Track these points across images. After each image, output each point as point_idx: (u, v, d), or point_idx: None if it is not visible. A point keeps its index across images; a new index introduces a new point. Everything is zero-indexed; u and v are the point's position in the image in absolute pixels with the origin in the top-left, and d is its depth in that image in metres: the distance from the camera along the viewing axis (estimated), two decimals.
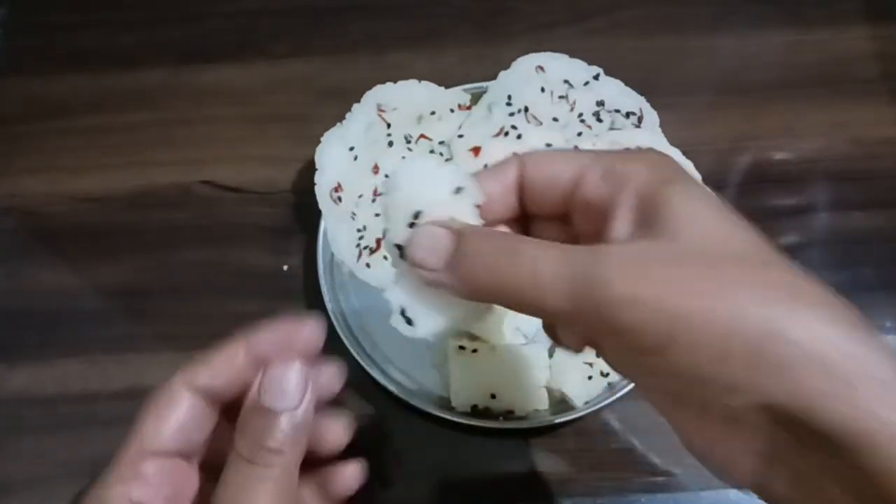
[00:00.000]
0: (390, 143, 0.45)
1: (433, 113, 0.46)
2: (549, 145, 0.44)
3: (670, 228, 0.20)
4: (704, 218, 0.21)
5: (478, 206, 0.24)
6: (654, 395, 0.22)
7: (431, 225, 0.23)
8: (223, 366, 0.26)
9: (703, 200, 0.21)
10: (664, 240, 0.20)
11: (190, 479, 0.26)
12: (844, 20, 0.53)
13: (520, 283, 0.21)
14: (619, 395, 0.39)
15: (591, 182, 0.23)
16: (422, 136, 0.45)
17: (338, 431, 0.28)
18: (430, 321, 0.24)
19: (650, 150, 0.24)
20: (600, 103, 0.45)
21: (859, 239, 0.46)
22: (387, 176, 0.44)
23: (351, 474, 0.29)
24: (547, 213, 0.25)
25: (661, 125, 0.45)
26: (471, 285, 0.22)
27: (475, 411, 0.39)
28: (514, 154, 0.25)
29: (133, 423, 0.26)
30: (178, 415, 0.26)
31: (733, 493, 0.39)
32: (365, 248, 0.42)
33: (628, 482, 0.39)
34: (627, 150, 0.25)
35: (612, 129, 0.45)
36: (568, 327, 0.25)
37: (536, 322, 0.41)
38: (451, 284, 0.22)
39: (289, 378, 0.25)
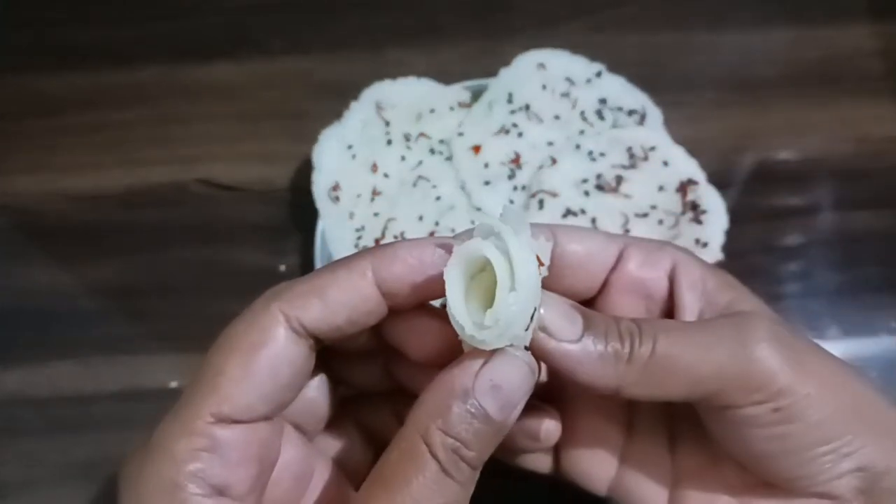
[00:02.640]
0: (389, 142, 0.44)
1: (432, 111, 0.45)
2: (550, 143, 0.44)
3: (739, 306, 0.23)
4: (749, 296, 0.24)
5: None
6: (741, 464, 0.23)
7: (561, 298, 0.22)
8: (342, 299, 0.20)
9: (738, 283, 0.24)
10: (745, 314, 0.22)
11: (274, 443, 0.21)
12: (849, 17, 0.53)
13: (664, 362, 0.21)
14: None
15: (636, 260, 0.24)
16: (421, 134, 0.45)
17: (550, 428, 0.24)
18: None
19: (672, 244, 0.25)
20: (602, 101, 0.45)
21: (864, 237, 0.45)
22: (386, 175, 0.44)
23: (549, 428, 0.24)
24: (575, 295, 0.24)
25: (665, 123, 0.44)
26: (606, 367, 0.21)
27: None
28: (541, 224, 0.23)
29: (203, 368, 0.20)
30: (274, 368, 0.20)
31: None
32: (363, 247, 0.42)
33: None
34: (650, 239, 0.25)
35: (614, 126, 0.44)
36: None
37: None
38: (581, 363, 0.21)
39: (521, 381, 0.20)
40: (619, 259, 0.24)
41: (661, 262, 0.24)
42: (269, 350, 0.20)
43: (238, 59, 0.52)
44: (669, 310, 0.24)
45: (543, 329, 0.21)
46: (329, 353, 0.23)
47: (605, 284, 0.24)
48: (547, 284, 0.21)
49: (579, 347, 0.21)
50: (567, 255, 0.23)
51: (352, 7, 0.54)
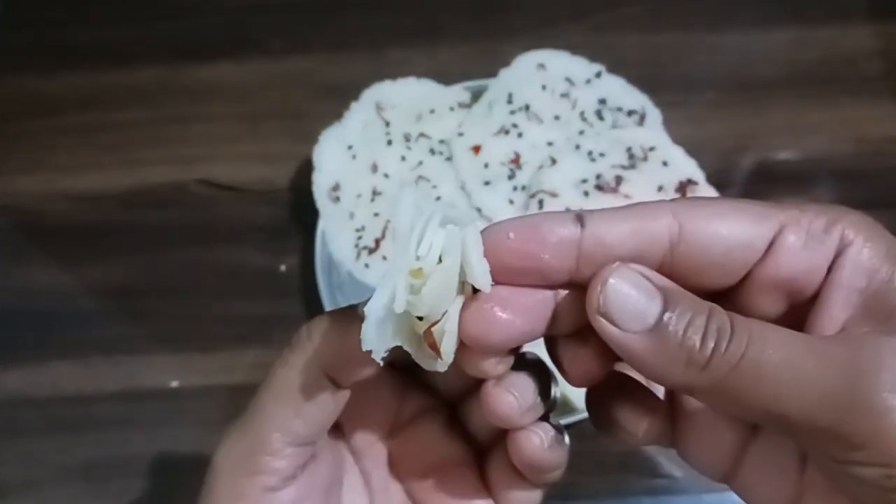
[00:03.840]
0: (389, 142, 0.44)
1: (433, 111, 0.45)
2: (550, 144, 0.44)
3: None
4: None
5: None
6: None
7: (634, 272, 0.17)
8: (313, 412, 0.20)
9: None
10: None
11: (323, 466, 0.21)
12: (849, 17, 0.53)
13: (749, 378, 0.16)
14: None
15: (794, 250, 0.18)
16: (421, 134, 0.45)
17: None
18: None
19: (847, 209, 0.18)
20: (602, 101, 0.45)
21: None
22: (386, 175, 0.44)
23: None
24: (701, 290, 0.18)
25: (664, 123, 0.44)
26: (676, 368, 0.17)
27: None
28: (662, 202, 0.18)
29: (258, 398, 0.20)
30: (329, 398, 0.20)
31: (736, 497, 0.39)
32: (363, 248, 0.42)
33: (630, 485, 0.39)
34: (822, 207, 0.18)
35: (614, 127, 0.44)
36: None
37: None
38: (644, 357, 0.17)
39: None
40: (771, 245, 0.18)
41: (824, 246, 0.18)
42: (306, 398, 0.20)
43: (238, 60, 0.52)
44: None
45: (605, 314, 0.17)
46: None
47: (746, 276, 0.18)
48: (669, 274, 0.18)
49: (645, 338, 0.17)
50: (696, 248, 0.18)
51: (352, 7, 0.54)
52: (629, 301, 0.17)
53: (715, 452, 0.21)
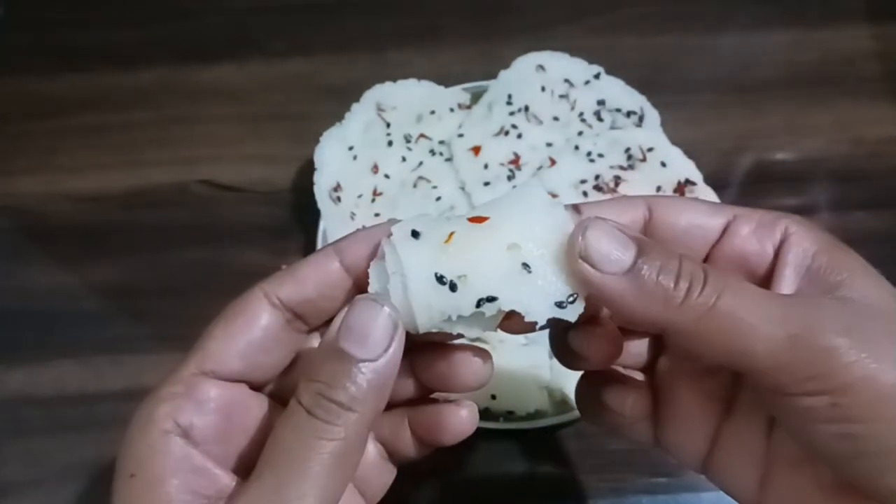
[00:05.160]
0: (390, 143, 0.44)
1: (433, 112, 0.45)
2: (549, 144, 0.44)
3: (850, 293, 0.21)
4: (873, 285, 0.21)
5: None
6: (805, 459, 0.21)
7: (609, 224, 0.20)
8: (312, 277, 0.22)
9: (862, 264, 0.22)
10: (849, 301, 0.20)
11: (252, 409, 0.23)
12: (846, 19, 0.53)
13: (723, 319, 0.19)
14: None
15: (742, 234, 0.22)
16: (421, 135, 0.45)
17: (462, 418, 0.24)
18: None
19: (789, 215, 0.23)
20: (601, 102, 0.45)
21: (861, 238, 0.45)
22: (387, 176, 0.44)
23: (464, 417, 0.24)
24: None
25: (663, 124, 0.45)
26: (651, 306, 0.20)
27: None
28: (638, 196, 0.23)
29: (201, 337, 0.22)
30: (250, 330, 0.22)
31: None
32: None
33: (629, 483, 0.39)
34: (769, 210, 0.23)
35: (612, 128, 0.45)
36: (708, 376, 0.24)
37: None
38: (623, 296, 0.20)
39: (375, 319, 0.20)
40: (725, 232, 0.23)
41: (771, 234, 0.22)
42: (246, 316, 0.22)
43: (240, 61, 0.52)
44: (768, 286, 0.22)
45: (586, 258, 0.20)
46: None
47: (707, 258, 0.23)
48: None
49: (624, 280, 0.20)
50: (663, 228, 0.23)
51: (353, 9, 0.54)
52: (606, 246, 0.20)
53: (692, 439, 0.24)
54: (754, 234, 0.22)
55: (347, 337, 0.20)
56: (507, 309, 0.20)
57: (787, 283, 0.22)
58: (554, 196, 0.42)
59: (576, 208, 0.22)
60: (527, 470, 0.40)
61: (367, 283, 0.21)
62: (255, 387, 0.23)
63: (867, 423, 0.19)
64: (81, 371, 0.42)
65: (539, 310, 0.20)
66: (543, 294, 0.20)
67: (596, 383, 0.25)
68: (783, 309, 0.20)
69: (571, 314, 0.20)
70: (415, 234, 0.21)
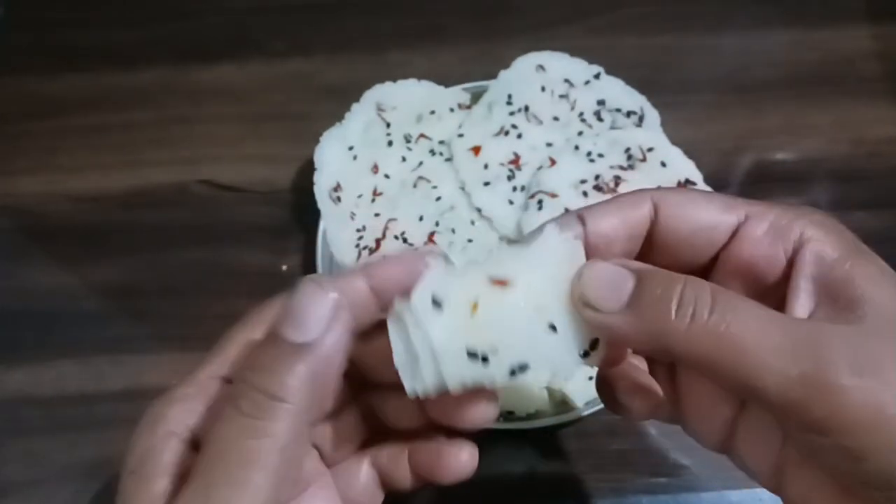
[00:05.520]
0: (390, 143, 0.44)
1: (433, 112, 0.45)
2: (549, 144, 0.44)
3: (872, 312, 0.19)
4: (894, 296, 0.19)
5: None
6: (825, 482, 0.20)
7: (605, 263, 0.20)
8: (349, 288, 0.21)
9: (893, 278, 0.20)
10: (869, 325, 0.19)
11: None
12: (846, 19, 0.53)
13: (732, 350, 0.18)
14: None
15: (753, 239, 0.21)
16: (421, 135, 0.45)
17: (461, 461, 0.24)
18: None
19: (812, 210, 0.21)
20: (601, 102, 0.45)
21: (862, 238, 0.45)
22: (387, 176, 0.44)
23: (464, 461, 0.24)
24: (678, 267, 0.21)
25: (663, 124, 0.45)
26: (660, 337, 0.19)
27: None
28: (643, 190, 0.22)
29: (221, 340, 0.22)
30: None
31: (734, 495, 0.39)
32: (364, 248, 0.42)
33: (629, 483, 0.39)
34: (788, 206, 0.21)
35: (612, 128, 0.45)
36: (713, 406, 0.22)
37: None
38: (627, 332, 0.19)
39: (316, 301, 0.19)
40: (736, 233, 0.21)
41: (785, 239, 0.20)
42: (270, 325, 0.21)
43: (240, 61, 0.52)
44: (781, 295, 0.21)
45: (587, 303, 0.20)
46: (366, 386, 0.24)
47: (716, 260, 0.22)
48: (648, 259, 0.22)
49: (624, 314, 0.19)
50: (667, 232, 0.21)
51: (353, 9, 0.54)
52: (603, 287, 0.19)
53: (712, 426, 0.23)
54: (766, 237, 0.21)
55: (283, 320, 0.19)
56: (539, 372, 0.20)
57: (802, 298, 0.20)
58: (554, 196, 0.42)
59: (581, 218, 0.22)
60: (527, 470, 0.40)
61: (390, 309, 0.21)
62: None
63: (877, 460, 0.18)
64: (81, 371, 0.42)
65: (568, 367, 0.20)
66: (568, 349, 0.20)
67: (609, 382, 0.25)
68: (795, 339, 0.18)
69: (595, 360, 0.21)
70: (436, 302, 0.20)
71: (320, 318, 0.19)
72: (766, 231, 0.21)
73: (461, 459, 0.24)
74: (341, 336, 0.19)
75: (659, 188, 0.23)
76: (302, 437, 0.19)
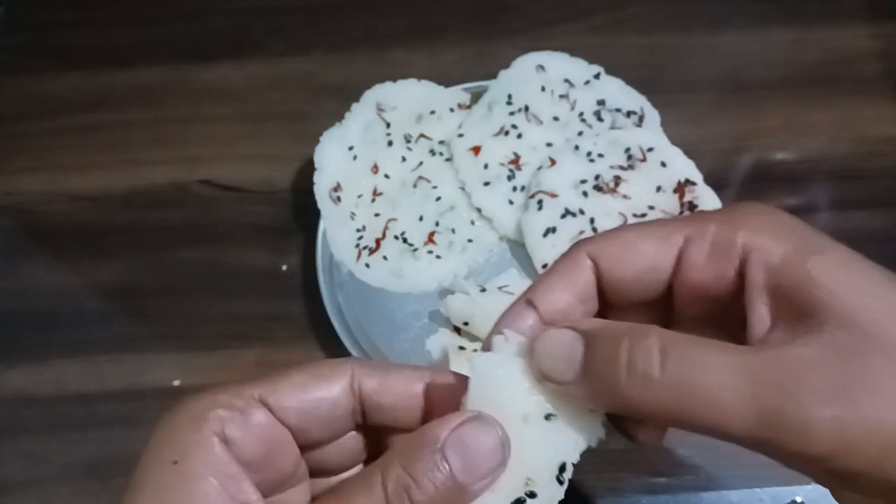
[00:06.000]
0: (390, 143, 0.44)
1: (433, 112, 0.45)
2: (549, 144, 0.44)
3: (832, 318, 0.18)
4: (866, 295, 0.18)
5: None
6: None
7: (555, 329, 0.20)
8: (397, 383, 0.22)
9: (857, 271, 0.19)
10: (830, 335, 0.18)
11: (287, 457, 0.22)
12: (846, 18, 0.53)
13: (691, 401, 0.18)
14: None
15: (697, 264, 0.20)
16: (421, 135, 0.45)
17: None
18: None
19: (751, 204, 0.21)
20: (601, 102, 0.45)
21: (862, 238, 0.45)
22: (387, 176, 0.44)
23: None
24: (640, 307, 0.22)
25: (663, 124, 0.45)
26: (618, 401, 0.19)
27: None
28: (578, 247, 0.21)
29: (279, 373, 0.22)
30: (322, 390, 0.21)
31: (734, 495, 0.39)
32: (364, 247, 0.42)
33: (628, 483, 0.39)
34: (725, 210, 0.21)
35: (612, 128, 0.45)
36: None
37: None
38: (590, 400, 0.20)
39: (491, 454, 0.19)
40: (679, 261, 0.21)
41: (729, 257, 0.20)
42: (325, 380, 0.22)
43: (240, 61, 0.52)
44: (742, 316, 0.20)
45: (548, 378, 0.20)
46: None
47: (671, 288, 0.21)
48: (610, 308, 0.22)
49: (582, 383, 0.19)
50: (612, 283, 0.21)
51: (353, 9, 0.54)
52: (556, 358, 0.20)
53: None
54: (709, 261, 0.20)
55: (460, 457, 0.19)
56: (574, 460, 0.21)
57: (759, 313, 0.19)
58: (554, 196, 0.42)
59: (530, 302, 0.22)
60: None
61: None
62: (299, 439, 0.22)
63: (868, 477, 0.18)
64: (81, 371, 0.42)
65: (577, 448, 0.21)
66: (574, 439, 0.20)
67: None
68: (753, 377, 0.18)
69: (596, 432, 0.21)
70: None
71: (488, 469, 0.19)
72: (709, 253, 0.20)
73: None
74: (489, 484, 0.19)
75: (593, 238, 0.22)
76: None
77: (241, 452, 0.20)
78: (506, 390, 0.20)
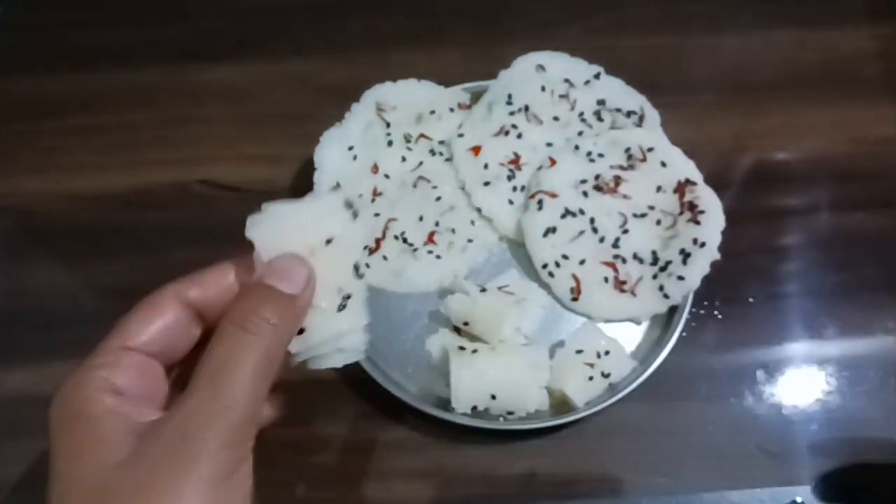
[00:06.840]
0: (389, 143, 0.44)
1: (433, 112, 0.45)
2: (549, 144, 0.44)
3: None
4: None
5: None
6: None
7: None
8: (213, 282, 0.27)
9: None
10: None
11: (162, 384, 0.27)
12: (847, 19, 0.53)
13: None
14: (620, 396, 0.39)
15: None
16: (421, 135, 0.45)
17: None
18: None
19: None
20: (601, 102, 0.45)
21: (862, 238, 0.46)
22: (387, 176, 0.44)
23: None
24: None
25: (663, 124, 0.45)
26: None
27: (475, 412, 0.39)
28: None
29: (119, 321, 0.26)
30: (163, 319, 0.26)
31: (734, 495, 0.39)
32: (364, 248, 0.42)
33: (629, 484, 0.39)
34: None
35: (612, 128, 0.45)
36: None
37: (537, 322, 0.41)
38: None
39: (298, 268, 0.26)
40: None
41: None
42: (160, 308, 0.27)
43: (241, 62, 0.52)
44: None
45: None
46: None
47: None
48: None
49: None
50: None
51: (353, 10, 0.54)
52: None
53: None
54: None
55: (272, 276, 0.25)
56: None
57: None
58: (554, 196, 0.42)
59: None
60: (526, 470, 0.40)
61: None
62: (164, 365, 0.27)
63: None
64: None
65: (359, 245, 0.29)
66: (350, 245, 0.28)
67: None
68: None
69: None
70: None
71: (302, 280, 0.26)
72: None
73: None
74: (311, 296, 0.26)
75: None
76: (282, 354, 0.25)
77: (132, 392, 0.25)
78: (289, 233, 0.27)
